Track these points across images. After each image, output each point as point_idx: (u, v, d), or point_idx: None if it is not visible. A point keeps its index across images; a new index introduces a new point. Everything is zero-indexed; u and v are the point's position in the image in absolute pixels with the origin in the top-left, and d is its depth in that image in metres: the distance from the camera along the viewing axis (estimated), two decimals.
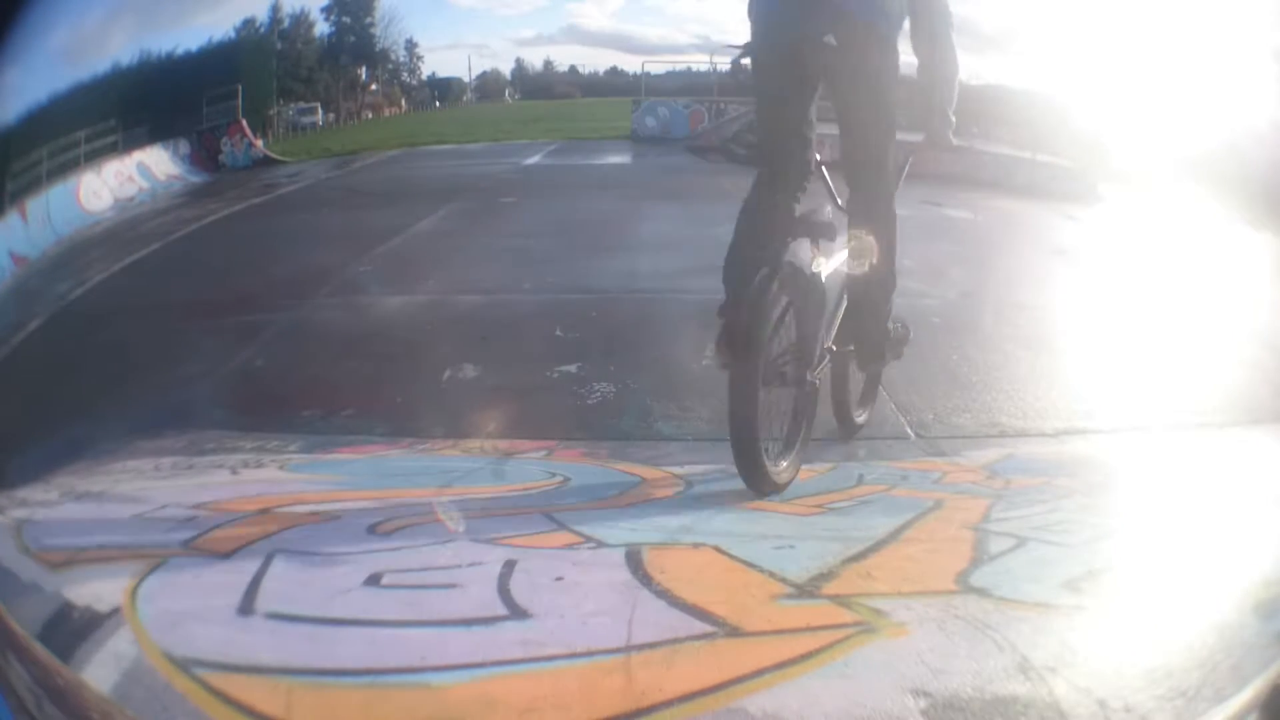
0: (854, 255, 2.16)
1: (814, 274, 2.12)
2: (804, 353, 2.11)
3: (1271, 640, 1.42)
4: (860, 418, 2.46)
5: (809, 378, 2.12)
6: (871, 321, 2.25)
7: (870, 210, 2.14)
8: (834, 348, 2.26)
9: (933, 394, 2.69)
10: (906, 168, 2.29)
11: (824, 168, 2.22)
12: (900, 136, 2.16)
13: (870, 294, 2.21)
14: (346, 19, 5.23)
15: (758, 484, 2.00)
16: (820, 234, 2.13)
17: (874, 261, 2.13)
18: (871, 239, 2.13)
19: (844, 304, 2.28)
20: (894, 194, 2.19)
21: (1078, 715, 1.25)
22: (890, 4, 2.07)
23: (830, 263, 2.19)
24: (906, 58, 2.13)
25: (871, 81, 2.06)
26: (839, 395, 2.36)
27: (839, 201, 2.24)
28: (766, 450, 2.00)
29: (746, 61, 2.11)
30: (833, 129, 2.15)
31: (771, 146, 2.14)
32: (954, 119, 2.22)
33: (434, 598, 1.56)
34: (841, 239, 2.19)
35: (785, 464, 2.07)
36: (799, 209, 2.14)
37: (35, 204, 3.53)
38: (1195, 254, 3.64)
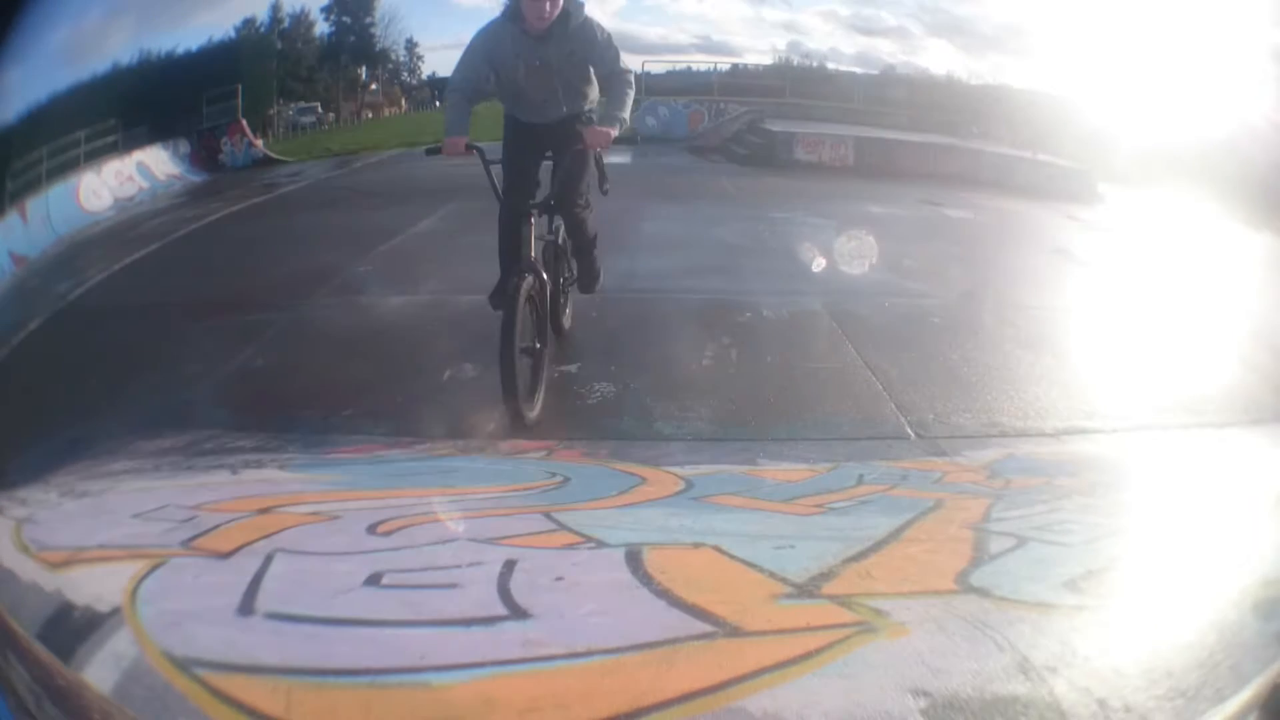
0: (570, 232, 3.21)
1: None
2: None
3: (1271, 640, 1.42)
4: (567, 325, 3.26)
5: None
6: (587, 266, 3.26)
7: (578, 206, 3.15)
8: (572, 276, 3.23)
9: (933, 394, 2.69)
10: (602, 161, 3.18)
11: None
12: None
13: (582, 252, 3.26)
14: (346, 19, 5.23)
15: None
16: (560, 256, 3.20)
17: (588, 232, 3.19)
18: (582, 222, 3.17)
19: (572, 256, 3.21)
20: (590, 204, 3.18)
21: (1078, 715, 1.25)
22: (590, 103, 3.10)
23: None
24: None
25: (578, 171, 3.05)
26: (555, 310, 3.07)
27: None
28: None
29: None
30: None
31: (514, 194, 3.04)
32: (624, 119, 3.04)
33: (434, 598, 1.56)
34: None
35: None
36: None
37: (35, 204, 3.53)
38: (1195, 254, 3.64)
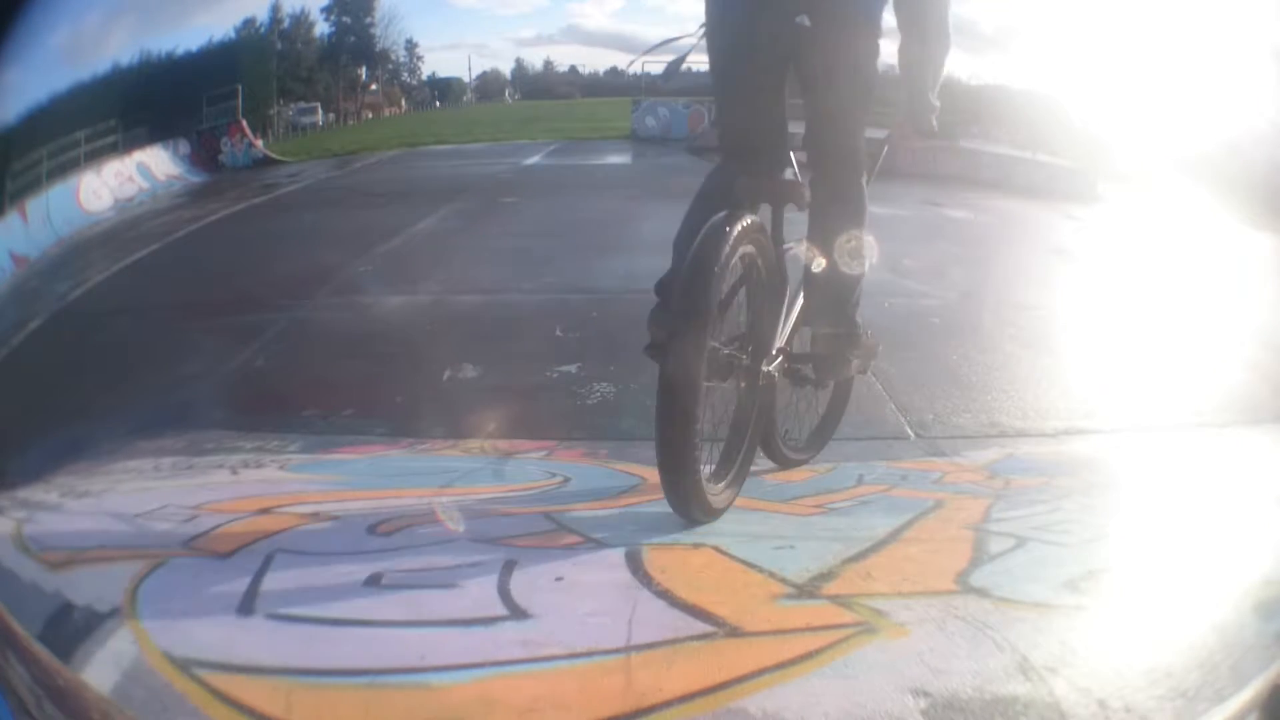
0: (819, 247, 1.90)
1: (776, 246, 1.83)
2: (758, 341, 1.78)
3: (1271, 640, 1.42)
4: (800, 454, 2.09)
5: (763, 369, 1.79)
6: (834, 322, 1.93)
7: (840, 202, 1.90)
8: (788, 349, 1.91)
9: (933, 394, 2.69)
10: (881, 160, 2.07)
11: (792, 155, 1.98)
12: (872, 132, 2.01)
13: (835, 291, 1.92)
14: (346, 19, 5.23)
15: (688, 506, 1.66)
16: (789, 197, 1.84)
17: (841, 269, 1.89)
18: (839, 247, 1.90)
19: (799, 305, 1.95)
20: (865, 186, 1.94)
21: (1078, 715, 1.25)
22: None
23: (794, 243, 1.94)
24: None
25: (849, 67, 1.82)
26: (766, 423, 1.95)
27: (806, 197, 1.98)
28: (704, 460, 1.67)
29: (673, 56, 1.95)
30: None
31: (736, 139, 1.91)
32: (937, 104, 1.93)
33: (434, 598, 1.56)
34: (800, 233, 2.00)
35: (725, 482, 1.75)
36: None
37: (35, 204, 3.53)
38: (1195, 254, 3.64)
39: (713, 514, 1.71)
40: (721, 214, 1.67)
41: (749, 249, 1.72)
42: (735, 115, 1.92)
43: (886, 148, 2.06)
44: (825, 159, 1.91)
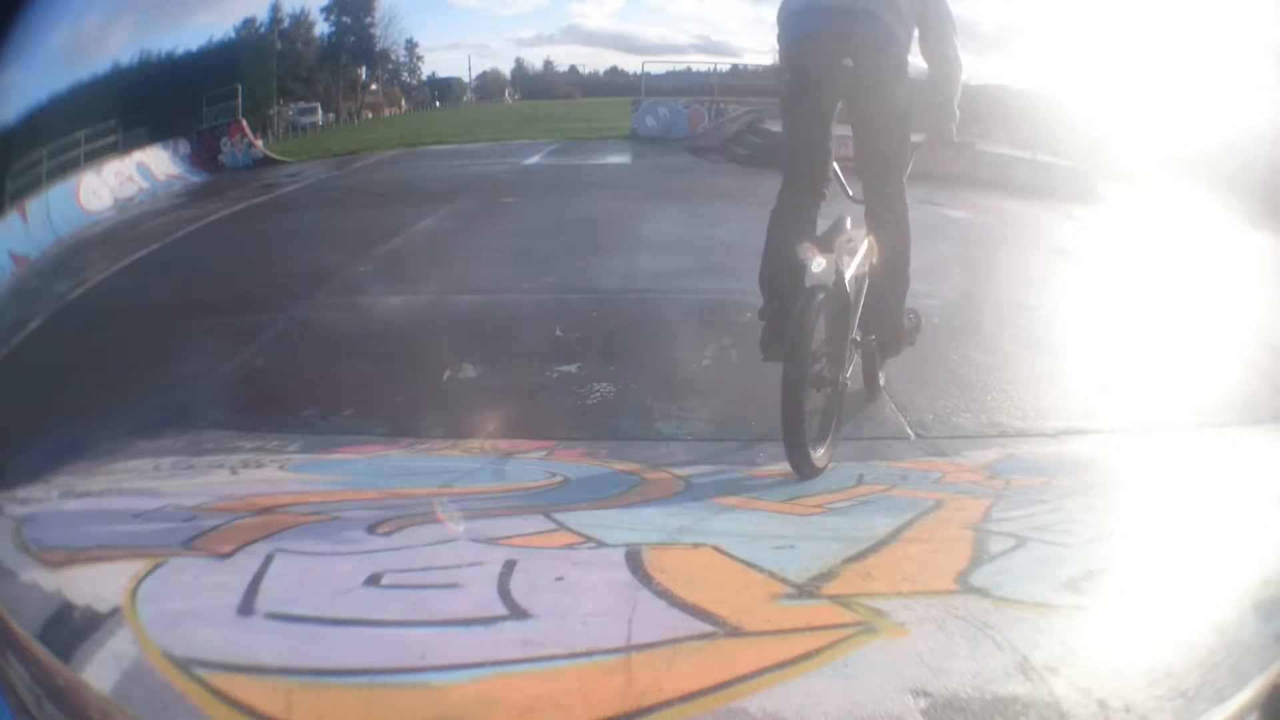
0: (872, 254, 2.46)
1: (840, 284, 2.32)
2: (836, 355, 2.34)
3: (1271, 640, 1.42)
4: (881, 381, 2.72)
5: (841, 378, 2.33)
6: (889, 314, 2.54)
7: (886, 213, 2.47)
8: (858, 338, 2.46)
9: (933, 394, 2.69)
10: (910, 165, 2.53)
11: (836, 164, 2.48)
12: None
13: (886, 289, 2.50)
14: (346, 19, 5.24)
15: (803, 468, 2.17)
16: (844, 252, 2.35)
17: (890, 260, 2.47)
18: (887, 239, 2.45)
19: (863, 298, 2.46)
20: (906, 194, 2.49)
21: (1078, 715, 1.25)
22: (899, 28, 2.35)
23: (853, 264, 2.39)
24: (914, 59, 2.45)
25: (885, 97, 2.37)
26: (869, 370, 2.63)
27: (850, 193, 2.53)
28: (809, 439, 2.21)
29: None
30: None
31: (797, 158, 2.44)
32: (958, 113, 2.50)
33: (434, 598, 1.56)
34: (857, 235, 2.42)
35: (823, 450, 2.27)
36: (821, 221, 2.43)
37: (35, 204, 3.54)
38: (1195, 254, 3.64)
39: (818, 472, 2.19)
40: (805, 296, 2.21)
41: (824, 304, 2.26)
42: (796, 144, 2.44)
43: (914, 156, 2.53)
44: (870, 170, 2.46)
